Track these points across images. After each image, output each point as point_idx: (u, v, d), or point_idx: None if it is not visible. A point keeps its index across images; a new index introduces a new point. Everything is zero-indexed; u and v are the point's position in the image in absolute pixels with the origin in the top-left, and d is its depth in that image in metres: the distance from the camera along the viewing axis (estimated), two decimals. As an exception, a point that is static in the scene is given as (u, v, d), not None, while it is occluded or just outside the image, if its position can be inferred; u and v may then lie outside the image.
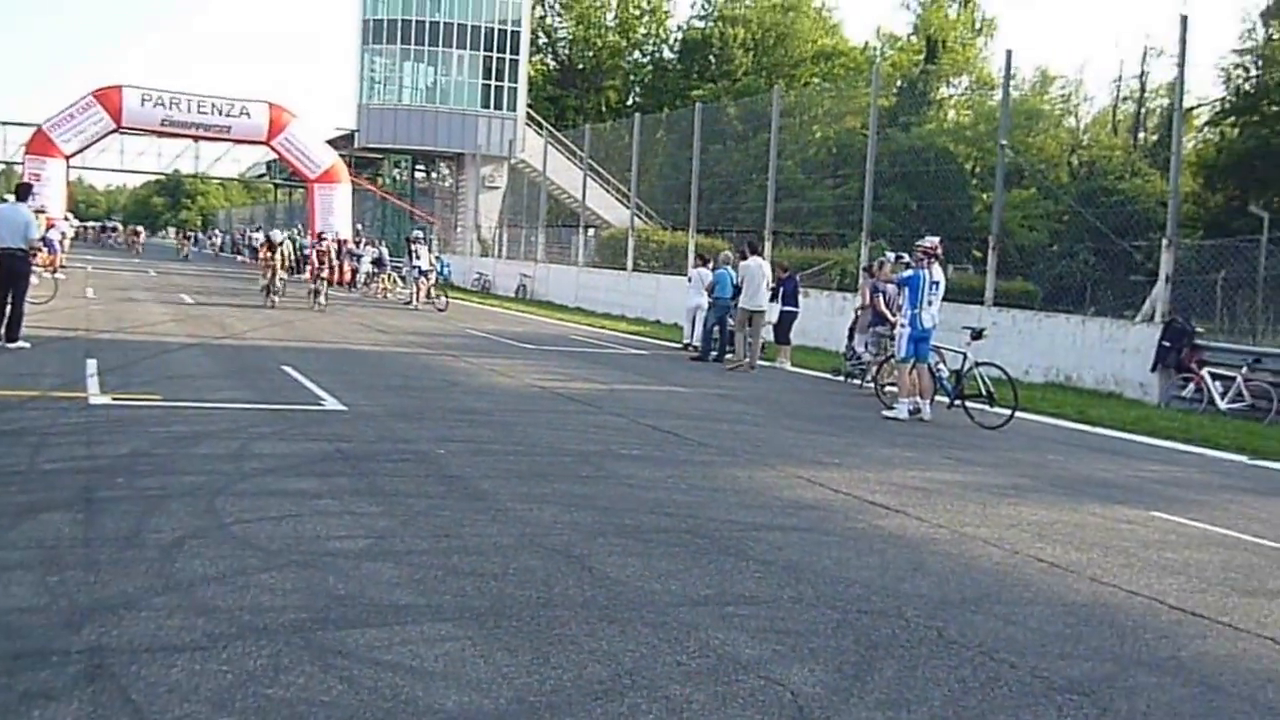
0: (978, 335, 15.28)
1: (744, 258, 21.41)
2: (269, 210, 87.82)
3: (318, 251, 32.40)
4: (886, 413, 15.07)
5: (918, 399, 14.95)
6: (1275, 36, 50.97)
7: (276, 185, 76.86)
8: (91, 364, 14.25)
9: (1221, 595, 6.95)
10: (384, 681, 4.64)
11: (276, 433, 10.40)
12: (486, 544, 6.90)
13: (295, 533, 6.85)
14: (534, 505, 8.05)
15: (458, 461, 9.60)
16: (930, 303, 14.96)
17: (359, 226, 47.92)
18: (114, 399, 11.76)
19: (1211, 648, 5.93)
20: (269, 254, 30.85)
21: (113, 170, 67.09)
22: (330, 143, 51.79)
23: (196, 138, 49.94)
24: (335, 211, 46.69)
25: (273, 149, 48.96)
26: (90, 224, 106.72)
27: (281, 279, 30.56)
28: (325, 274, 31.54)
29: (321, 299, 30.14)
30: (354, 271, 41.32)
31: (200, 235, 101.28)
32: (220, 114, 46.24)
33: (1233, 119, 51.74)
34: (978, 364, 15.19)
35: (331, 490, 8.12)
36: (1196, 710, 5.01)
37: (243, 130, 47.15)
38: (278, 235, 32.51)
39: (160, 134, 48.95)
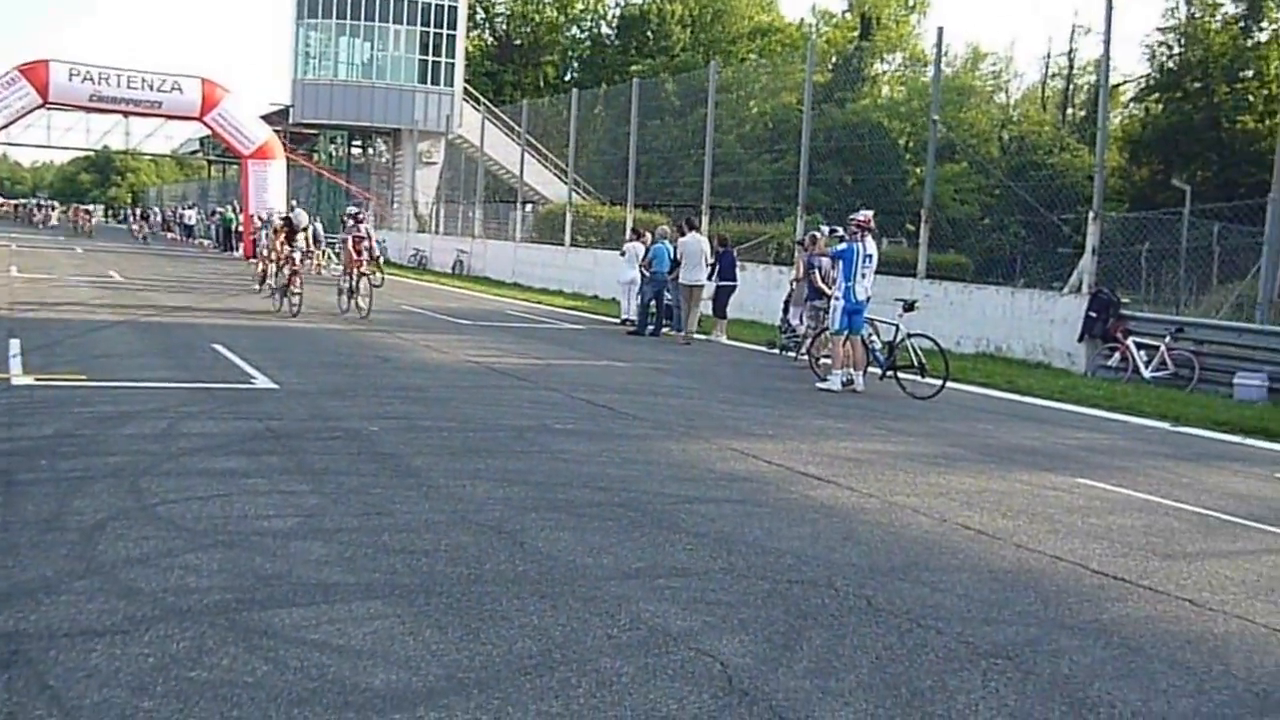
0: (909, 307, 15.35)
1: (682, 233, 21.44)
2: (202, 187, 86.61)
3: (354, 239, 22.50)
4: (820, 384, 15.10)
5: (851, 370, 15.00)
6: (1197, 15, 51.51)
7: (210, 161, 75.92)
8: (14, 344, 13.95)
9: (1143, 559, 7.02)
10: (310, 661, 4.57)
11: (205, 412, 10.25)
12: (418, 521, 6.83)
13: (222, 513, 6.75)
14: (466, 481, 7.98)
15: (390, 438, 9.50)
16: (864, 275, 15.00)
17: (294, 203, 47.39)
18: (37, 379, 11.51)
19: (1132, 610, 5.98)
20: (282, 242, 22.82)
21: (39, 146, 65.77)
22: (265, 118, 51.07)
23: (126, 113, 48.94)
24: (270, 188, 46.05)
25: (206, 125, 48.10)
26: (20, 201, 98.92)
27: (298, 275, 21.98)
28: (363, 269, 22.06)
29: (361, 302, 21.77)
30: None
31: (129, 213, 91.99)
32: (151, 89, 45.35)
33: (1157, 95, 52.33)
34: (910, 335, 15.26)
35: (260, 469, 8.01)
36: (1117, 671, 5.05)
37: (174, 106, 46.32)
38: (302, 217, 24.08)
39: (89, 109, 48.03)
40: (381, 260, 26.05)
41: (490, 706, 4.25)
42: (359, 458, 8.67)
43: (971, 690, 4.70)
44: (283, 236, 23.08)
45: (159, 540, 6.08)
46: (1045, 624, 5.66)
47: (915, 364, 15.07)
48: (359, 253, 22.16)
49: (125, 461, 7.92)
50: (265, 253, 26.89)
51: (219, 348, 15.02)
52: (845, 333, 14.96)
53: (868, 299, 15.14)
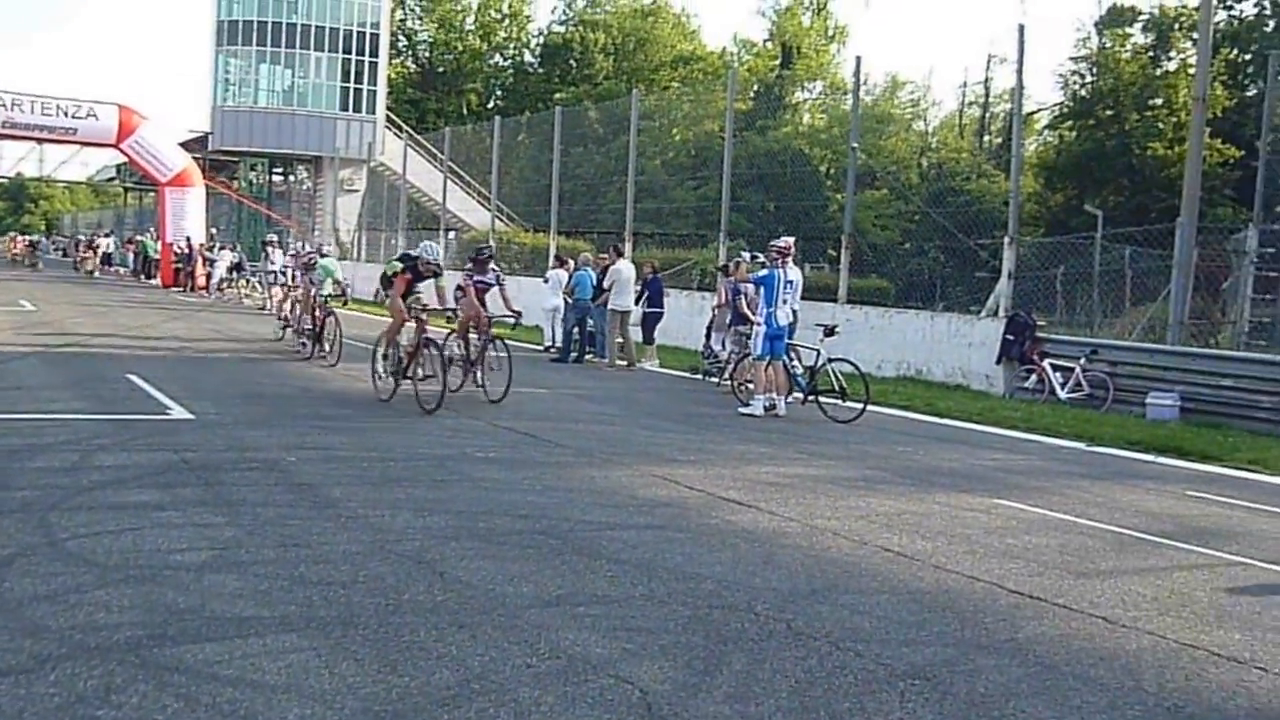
0: (830, 332, 15.48)
1: (612, 261, 21.52)
2: (118, 214, 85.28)
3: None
4: (743, 410, 15.13)
5: (773, 395, 15.06)
6: (1108, 45, 52.53)
7: (127, 189, 74.81)
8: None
9: (1058, 578, 7.08)
10: (223, 697, 4.49)
11: (118, 444, 10.05)
12: (335, 552, 6.74)
13: (135, 546, 6.62)
14: (385, 511, 7.89)
15: (308, 469, 9.38)
16: (785, 301, 15.08)
17: (213, 230, 46.82)
18: (-54, 413, 11.26)
19: (1047, 629, 6.03)
20: (300, 286, 21.21)
21: (-51, 174, 64.52)
22: (184, 145, 50.46)
23: (41, 140, 48.23)
24: (188, 215, 45.52)
25: (122, 152, 47.41)
26: None
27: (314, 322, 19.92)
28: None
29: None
30: (207, 276, 40.36)
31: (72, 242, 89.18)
32: (66, 116, 44.66)
33: (1070, 123, 53.24)
34: (830, 360, 15.35)
35: (175, 501, 7.86)
36: (1032, 689, 5.09)
37: (90, 132, 45.63)
38: (331, 254, 22.85)
39: (1, 136, 47.24)
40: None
41: (406, 739, 4.20)
42: (276, 488, 8.56)
43: (890, 712, 4.70)
44: (297, 283, 21.65)
45: (68, 576, 5.94)
46: (962, 644, 5.68)
47: (836, 388, 15.16)
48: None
49: (34, 496, 7.74)
50: (287, 291, 23.67)
51: (133, 378, 14.75)
52: (767, 358, 15.02)
53: (790, 324, 15.22)
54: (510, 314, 15.60)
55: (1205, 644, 5.88)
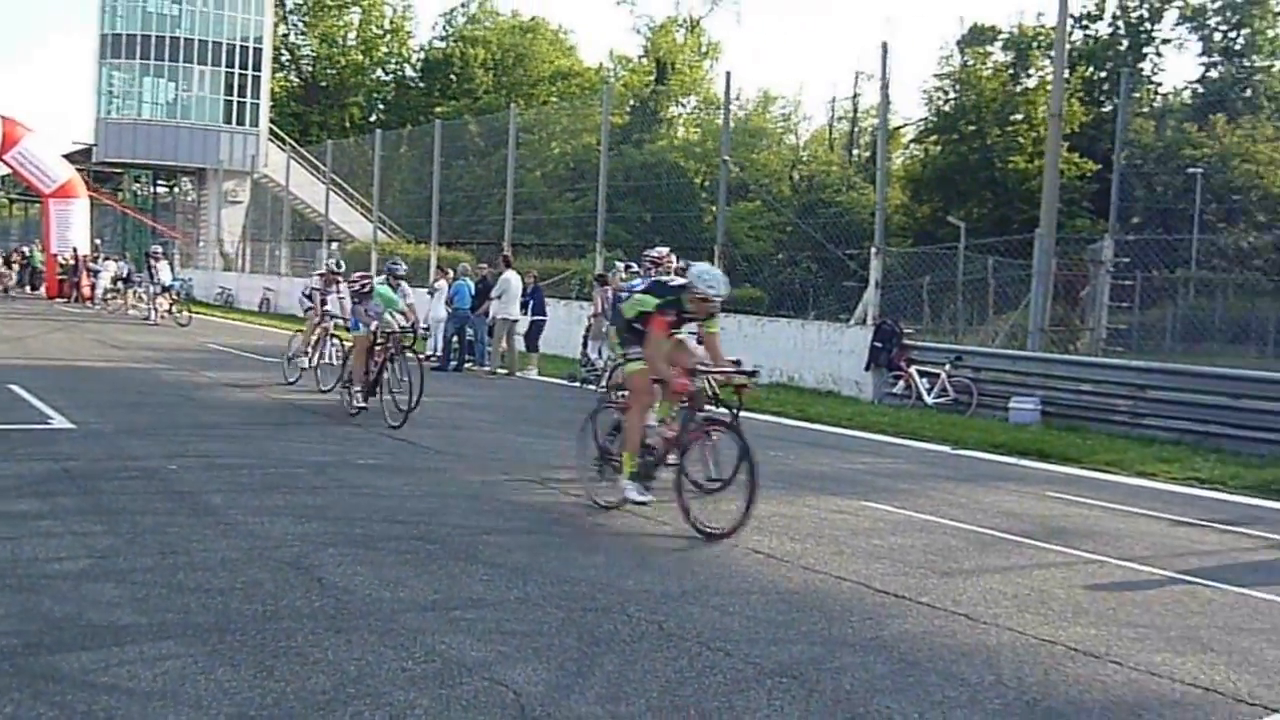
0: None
1: (501, 271, 21.57)
2: (3, 226, 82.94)
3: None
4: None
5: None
6: (970, 62, 53.70)
7: (11, 200, 72.75)
8: None
9: (922, 577, 7.22)
10: (99, 704, 4.42)
11: (-4, 454, 9.80)
12: (214, 559, 6.64)
13: (12, 556, 6.46)
14: (265, 518, 7.80)
15: (189, 477, 9.23)
16: None
17: (98, 241, 45.73)
18: None
19: (911, 626, 6.14)
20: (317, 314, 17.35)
21: None
22: (68, 157, 49.31)
23: (-80, 151, 46.79)
24: (73, 226, 44.44)
25: (5, 163, 46.15)
26: None
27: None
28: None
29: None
30: (92, 287, 39.38)
31: None
32: (-54, 127, 43.46)
33: (935, 137, 54.35)
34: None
35: (54, 510, 7.70)
36: (896, 685, 5.18)
37: (-29, 144, 44.45)
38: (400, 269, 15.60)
39: (-120, 150, 45.68)
40: (187, 299, 25.23)
41: (281, 745, 4.16)
42: (156, 497, 8.41)
43: (757, 709, 4.76)
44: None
45: (-61, 588, 5.79)
46: (829, 642, 5.77)
47: (710, 394, 15.22)
48: None
49: (-95, 508, 7.51)
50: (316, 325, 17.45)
51: (14, 388, 14.36)
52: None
53: None
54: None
55: (1063, 639, 6.02)
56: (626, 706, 4.70)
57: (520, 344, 22.13)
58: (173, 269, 29.04)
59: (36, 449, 10.19)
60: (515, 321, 21.48)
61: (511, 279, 21.51)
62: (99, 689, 4.57)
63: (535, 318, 22.13)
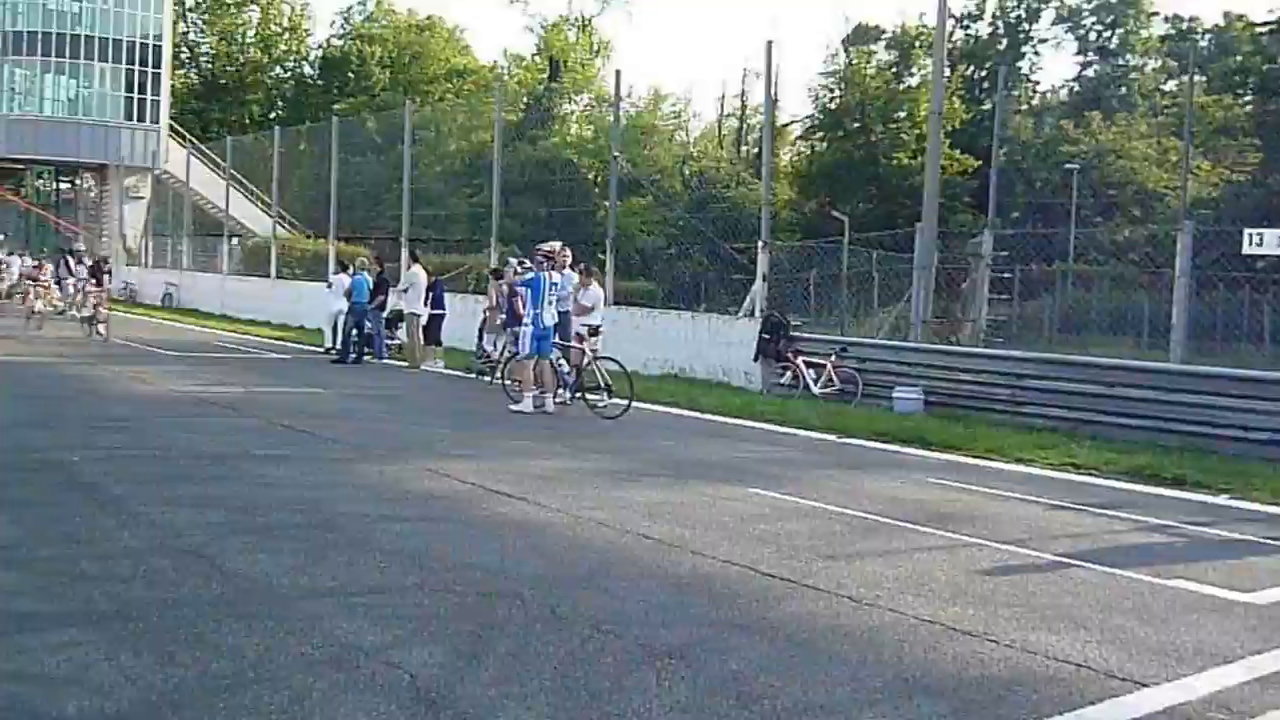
0: (594, 332, 15.66)
1: (408, 267, 21.56)
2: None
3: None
4: (513, 407, 15.15)
5: (542, 393, 15.12)
6: (855, 61, 54.36)
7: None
8: None
9: (807, 561, 7.31)
10: (1, 691, 4.38)
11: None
12: (116, 548, 6.61)
13: (-93, 548, 6.32)
14: (166, 508, 7.74)
15: (91, 469, 9.12)
16: (551, 303, 15.18)
17: (1, 237, 44.55)
18: None
19: (797, 608, 6.24)
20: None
21: None
22: (-33, 154, 48.18)
23: None
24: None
25: (-96, 160, 44.97)
26: None
27: None
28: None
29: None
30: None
31: None
32: None
33: (821, 134, 54.95)
34: (597, 358, 15.52)
35: (-52, 505, 7.53)
36: (781, 665, 5.26)
37: None
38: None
39: None
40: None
41: (181, 729, 4.13)
42: (59, 488, 8.33)
43: (647, 689, 4.81)
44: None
45: None
46: (717, 624, 5.84)
47: (602, 385, 15.32)
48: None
49: None
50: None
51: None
52: (535, 357, 15.07)
53: (555, 324, 15.31)
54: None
55: (942, 619, 6.14)
56: (520, 687, 4.73)
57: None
58: (104, 270, 27.05)
59: (-71, 444, 9.96)
60: (419, 315, 21.41)
61: (418, 273, 21.55)
62: (2, 676, 4.54)
63: (435, 311, 22.04)
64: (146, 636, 5.08)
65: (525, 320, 15.21)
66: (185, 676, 4.62)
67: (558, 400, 15.40)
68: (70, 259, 31.73)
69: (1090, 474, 12.24)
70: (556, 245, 15.59)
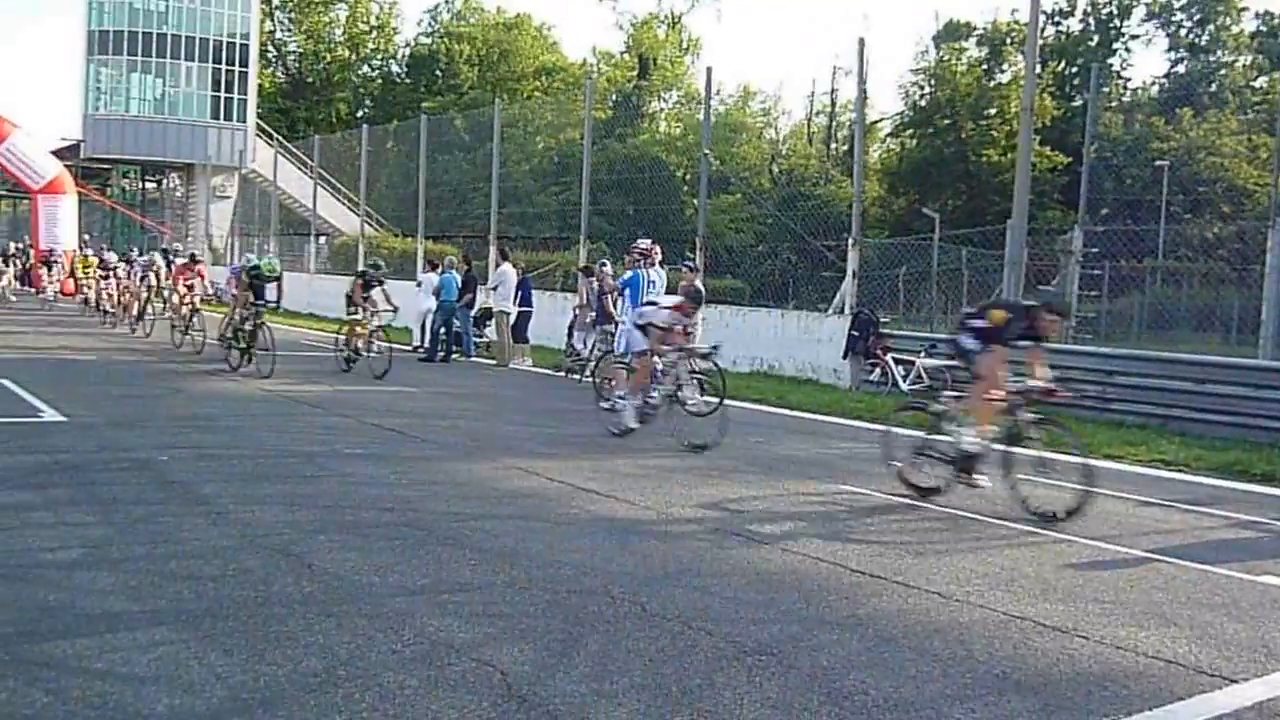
0: (686, 331, 15.66)
1: (497, 265, 21.66)
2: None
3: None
4: (604, 404, 15.14)
5: (638, 391, 15.13)
6: (946, 58, 53.79)
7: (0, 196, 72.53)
8: None
9: (896, 557, 7.26)
10: (93, 690, 4.42)
11: (-11, 446, 9.78)
12: (205, 547, 6.65)
13: (5, 546, 6.47)
14: (255, 507, 7.80)
15: (179, 467, 9.22)
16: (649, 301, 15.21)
17: (85, 237, 45.53)
18: None
19: (886, 605, 6.19)
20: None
21: None
22: (56, 153, 49.08)
23: (-91, 148, 46.48)
24: (61, 223, 44.27)
25: (-7, 159, 46.05)
26: None
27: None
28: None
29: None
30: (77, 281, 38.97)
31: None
32: (-67, 124, 43.21)
33: (911, 131, 54.45)
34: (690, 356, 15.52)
35: (46, 502, 7.68)
36: (870, 661, 5.22)
37: (-41, 141, 44.21)
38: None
39: None
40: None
41: (273, 726, 4.17)
42: (148, 487, 8.41)
43: (737, 686, 4.79)
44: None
45: (-64, 577, 5.79)
46: (806, 621, 5.80)
47: (694, 382, 15.26)
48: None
49: (-98, 500, 7.50)
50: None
51: (5, 382, 14.29)
52: (633, 355, 15.07)
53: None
54: None
55: (1031, 615, 6.07)
56: (610, 684, 4.74)
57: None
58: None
59: (28, 442, 10.16)
60: (508, 313, 21.52)
61: (507, 271, 21.62)
62: (93, 675, 4.57)
63: (523, 309, 22.17)
64: (237, 635, 5.13)
65: (626, 319, 15.25)
66: (276, 675, 4.66)
67: (650, 398, 15.39)
68: (166, 258, 31.35)
69: (1179, 470, 12.03)
70: (649, 242, 15.63)
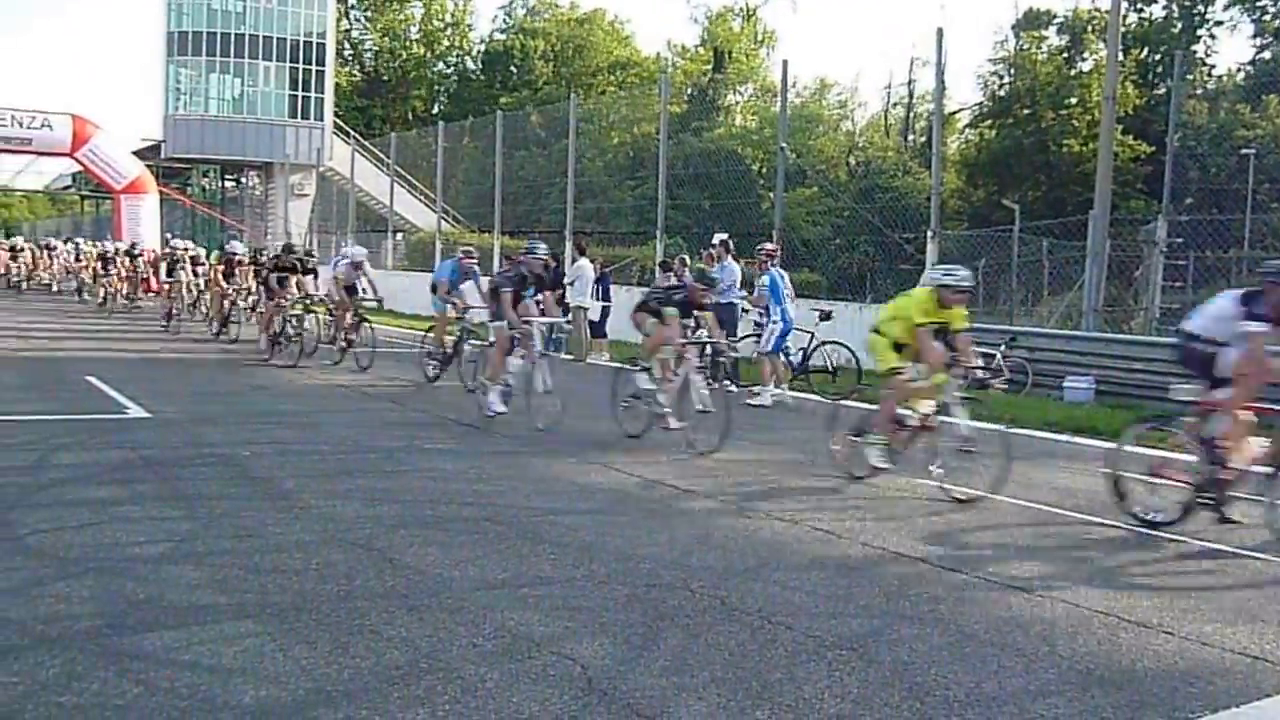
0: (826, 316, 16.79)
1: (574, 260, 21.84)
2: (75, 222, 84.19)
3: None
4: (753, 401, 15.22)
5: (774, 387, 15.46)
6: (1025, 46, 53.12)
7: (83, 197, 73.93)
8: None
9: (979, 551, 7.26)
10: (181, 681, 4.50)
11: (78, 442, 10.00)
12: (289, 541, 6.75)
13: (94, 541, 6.60)
14: (337, 501, 7.90)
15: (262, 463, 9.36)
16: (789, 298, 15.89)
17: (168, 236, 46.34)
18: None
19: (969, 599, 6.15)
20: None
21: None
22: (137, 153, 50.05)
23: (-4, 151, 47.63)
24: (143, 222, 45.11)
25: (77, 161, 46.95)
26: None
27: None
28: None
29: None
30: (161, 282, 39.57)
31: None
32: (20, 126, 44.11)
33: (990, 121, 53.78)
34: (824, 343, 16.36)
35: (133, 497, 7.85)
36: (952, 656, 5.20)
37: (44, 142, 45.13)
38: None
39: (-43, 149, 46.53)
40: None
41: (358, 717, 4.23)
42: (231, 482, 8.55)
43: (818, 680, 4.79)
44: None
45: (29, 570, 5.93)
46: (887, 615, 5.78)
47: (829, 369, 15.74)
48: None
49: (-4, 494, 7.69)
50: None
51: (92, 379, 14.60)
52: (774, 354, 15.47)
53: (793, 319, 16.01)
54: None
55: (1116, 611, 6.00)
56: (691, 678, 4.75)
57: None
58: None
59: (114, 437, 10.37)
60: (586, 308, 21.58)
61: (585, 266, 21.61)
62: (181, 666, 4.67)
63: (603, 303, 22.22)
64: (320, 628, 5.20)
65: (774, 318, 15.49)
66: (359, 667, 4.73)
67: (727, 390, 15.47)
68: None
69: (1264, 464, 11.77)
70: (773, 246, 16.28)
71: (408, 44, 72.15)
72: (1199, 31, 54.85)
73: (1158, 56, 52.51)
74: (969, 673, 4.98)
